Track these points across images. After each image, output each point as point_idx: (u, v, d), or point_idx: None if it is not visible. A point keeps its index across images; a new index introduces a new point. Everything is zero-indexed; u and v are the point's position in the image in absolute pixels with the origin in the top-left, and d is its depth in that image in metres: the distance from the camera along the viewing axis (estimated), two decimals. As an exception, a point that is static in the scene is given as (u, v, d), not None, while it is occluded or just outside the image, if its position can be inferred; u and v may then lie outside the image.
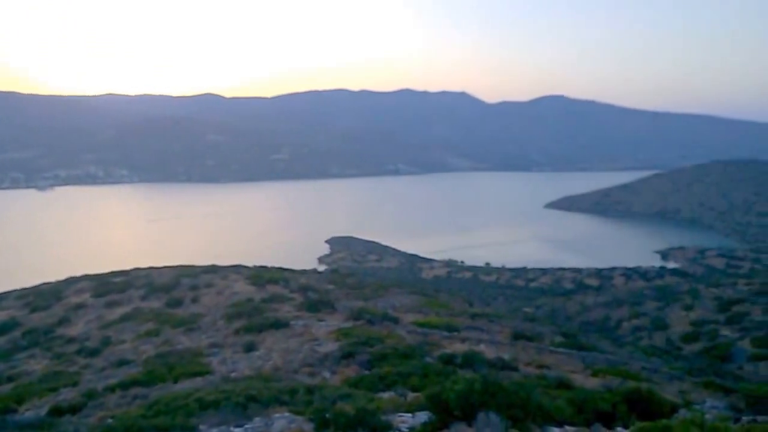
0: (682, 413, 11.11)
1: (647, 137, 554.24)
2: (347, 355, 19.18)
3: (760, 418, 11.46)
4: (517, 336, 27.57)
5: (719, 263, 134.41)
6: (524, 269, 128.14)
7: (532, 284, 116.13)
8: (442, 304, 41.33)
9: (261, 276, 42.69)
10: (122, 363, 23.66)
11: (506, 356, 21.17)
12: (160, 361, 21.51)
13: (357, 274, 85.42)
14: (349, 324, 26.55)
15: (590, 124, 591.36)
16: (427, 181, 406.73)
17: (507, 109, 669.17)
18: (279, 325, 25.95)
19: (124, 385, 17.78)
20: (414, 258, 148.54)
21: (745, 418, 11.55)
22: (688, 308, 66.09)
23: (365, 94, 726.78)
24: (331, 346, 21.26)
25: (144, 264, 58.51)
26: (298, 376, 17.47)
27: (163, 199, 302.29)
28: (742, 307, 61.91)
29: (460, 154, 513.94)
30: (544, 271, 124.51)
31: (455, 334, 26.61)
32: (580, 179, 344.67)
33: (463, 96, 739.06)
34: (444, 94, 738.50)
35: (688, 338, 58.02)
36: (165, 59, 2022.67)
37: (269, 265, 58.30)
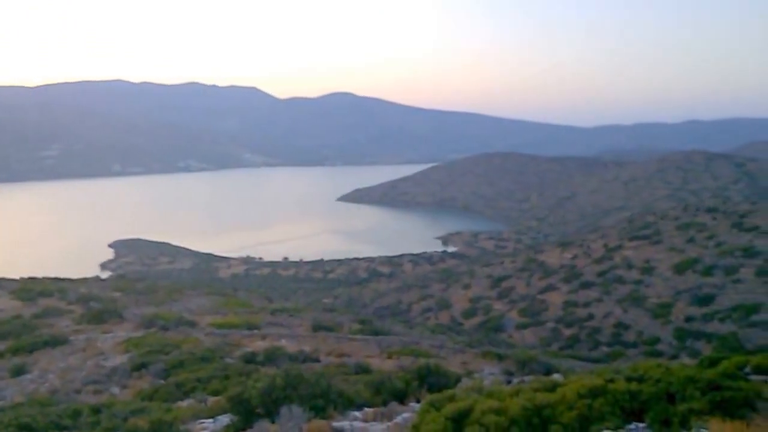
0: (465, 382, 12.35)
1: (426, 133, 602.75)
2: (139, 367, 17.81)
3: (526, 378, 13.22)
4: (317, 327, 28.10)
5: (489, 245, 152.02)
6: (321, 261, 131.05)
7: (330, 275, 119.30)
8: (241, 302, 40.48)
9: (30, 289, 37.52)
10: None
11: (307, 348, 21.49)
12: None
13: (147, 278, 79.79)
14: (140, 333, 24.71)
15: (376, 120, 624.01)
16: (221, 177, 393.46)
17: (298, 104, 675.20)
18: (55, 342, 23.10)
19: None
20: (210, 257, 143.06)
21: (515, 380, 13.25)
22: (467, 287, 73.56)
23: (147, 87, 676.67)
24: (119, 359, 19.57)
25: None
26: (82, 396, 15.79)
27: None
28: (509, 282, 70.72)
29: (253, 149, 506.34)
30: (340, 262, 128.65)
31: (256, 331, 26.29)
32: (369, 173, 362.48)
33: (253, 91, 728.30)
34: (234, 89, 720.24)
35: (468, 314, 64.70)
36: None
37: (40, 275, 51.48)
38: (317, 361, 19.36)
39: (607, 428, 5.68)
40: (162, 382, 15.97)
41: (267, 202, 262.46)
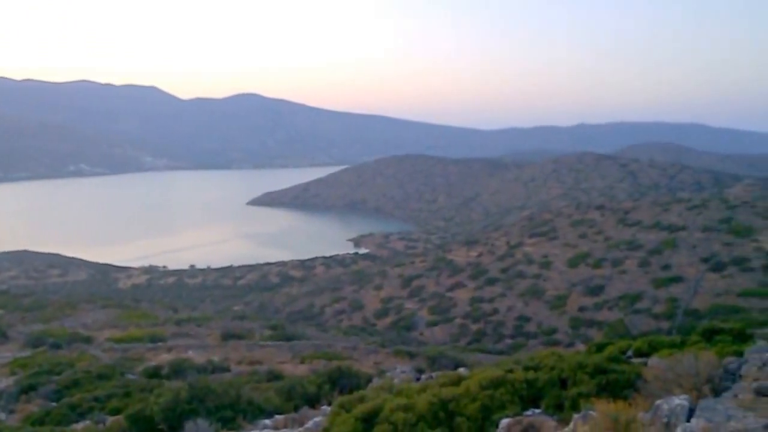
0: (376, 381, 12.49)
1: (336, 135, 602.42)
2: (27, 389, 16.57)
3: (434, 374, 13.56)
4: (226, 336, 27.44)
5: (401, 246, 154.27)
6: (231, 268, 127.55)
7: (240, 282, 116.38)
8: (144, 314, 38.68)
9: None
10: None
11: (217, 358, 20.90)
12: None
13: (35, 293, 74.21)
14: (28, 352, 23.02)
15: (285, 122, 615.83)
16: (118, 182, 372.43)
17: (202, 105, 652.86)
18: (-71, 367, 21.01)
19: None
20: (107, 268, 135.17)
21: (424, 376, 13.55)
22: (379, 288, 74.29)
23: (31, 85, 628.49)
24: (4, 382, 18.13)
25: None
26: (-38, 425, 14.47)
27: None
28: (419, 281, 72.19)
29: (155, 152, 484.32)
30: (251, 268, 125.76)
31: (160, 344, 25.30)
32: (280, 176, 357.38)
33: (153, 90, 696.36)
34: (131, 88, 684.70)
35: (380, 314, 65.37)
36: None
37: None
38: (227, 370, 18.89)
39: (507, 416, 5.97)
40: (54, 404, 14.99)
41: (171, 207, 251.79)
